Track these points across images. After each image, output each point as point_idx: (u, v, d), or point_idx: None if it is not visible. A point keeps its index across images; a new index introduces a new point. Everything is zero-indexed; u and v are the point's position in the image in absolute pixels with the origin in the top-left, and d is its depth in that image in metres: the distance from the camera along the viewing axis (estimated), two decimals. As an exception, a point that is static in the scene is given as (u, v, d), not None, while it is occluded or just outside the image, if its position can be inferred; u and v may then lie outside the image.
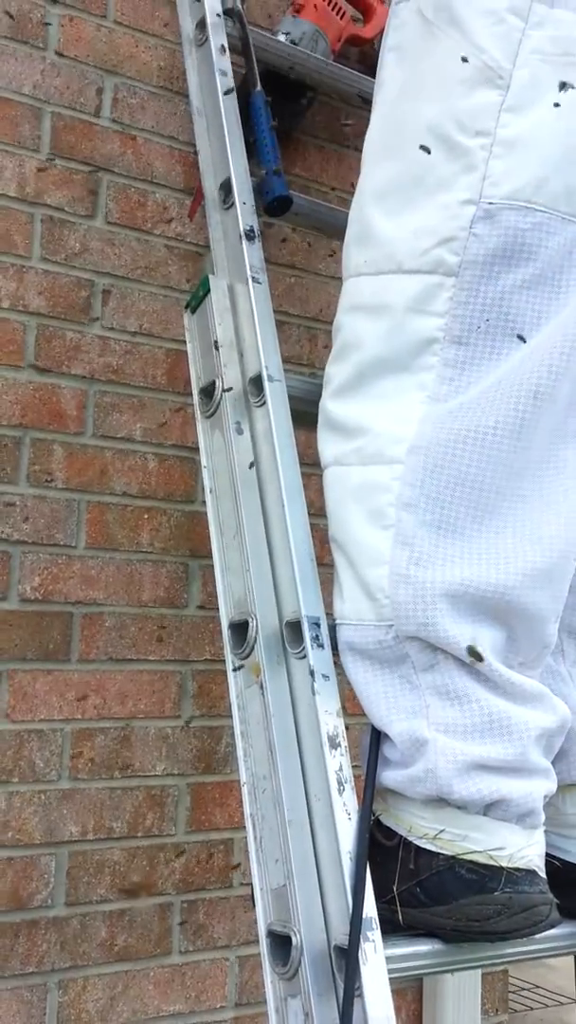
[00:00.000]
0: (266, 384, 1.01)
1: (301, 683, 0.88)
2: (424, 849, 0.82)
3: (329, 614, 0.90)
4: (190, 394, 1.22)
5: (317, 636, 0.87)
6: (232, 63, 1.28)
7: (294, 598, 0.90)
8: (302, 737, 0.87)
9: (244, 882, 1.40)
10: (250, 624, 0.92)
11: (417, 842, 0.82)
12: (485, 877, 0.80)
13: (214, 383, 1.06)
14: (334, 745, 0.83)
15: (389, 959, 0.77)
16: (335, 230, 1.36)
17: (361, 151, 0.95)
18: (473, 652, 0.80)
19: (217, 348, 1.07)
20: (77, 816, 1.29)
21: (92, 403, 1.38)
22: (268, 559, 0.96)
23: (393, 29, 0.93)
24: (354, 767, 0.83)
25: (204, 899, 1.37)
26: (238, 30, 1.36)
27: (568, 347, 0.83)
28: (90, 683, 1.32)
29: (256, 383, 1.03)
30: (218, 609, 0.99)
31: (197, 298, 1.13)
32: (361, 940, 0.75)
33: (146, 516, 1.40)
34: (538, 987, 2.77)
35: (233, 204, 1.16)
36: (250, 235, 1.12)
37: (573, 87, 0.84)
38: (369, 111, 0.96)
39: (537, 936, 0.83)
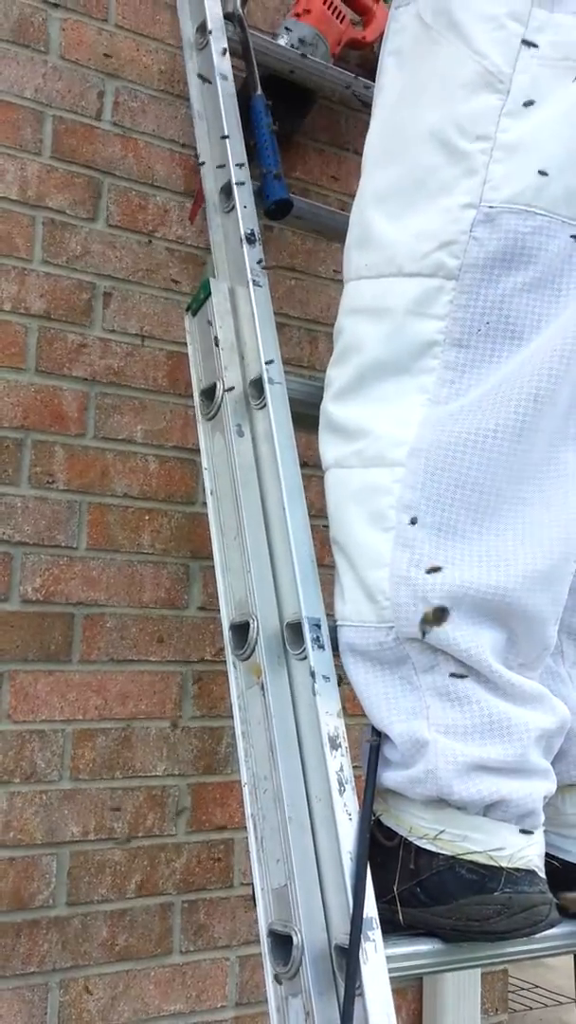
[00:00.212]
0: (267, 386, 1.02)
1: (302, 684, 0.88)
2: (424, 849, 0.82)
3: (330, 615, 0.90)
4: (191, 396, 1.23)
5: (318, 637, 0.88)
6: (233, 67, 1.29)
7: (295, 599, 0.91)
8: (303, 738, 0.87)
9: (244, 882, 1.40)
10: (251, 625, 0.93)
11: (417, 842, 0.83)
12: (485, 877, 0.80)
13: (215, 385, 1.07)
14: (335, 746, 0.83)
15: (390, 958, 0.77)
16: (335, 233, 1.36)
17: (360, 154, 0.95)
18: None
19: (218, 350, 1.07)
20: (78, 816, 1.30)
21: (93, 405, 1.38)
22: (269, 560, 0.96)
23: (393, 33, 0.93)
24: (354, 767, 0.84)
25: (204, 899, 1.37)
26: (238, 34, 1.37)
27: (568, 350, 0.83)
28: (91, 684, 1.33)
29: (257, 385, 1.04)
30: (219, 610, 1.00)
31: (198, 301, 1.14)
32: (362, 939, 0.76)
33: (147, 517, 1.40)
34: (537, 987, 2.77)
35: (234, 207, 1.16)
36: (251, 238, 1.13)
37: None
38: (369, 114, 0.97)
39: (537, 936, 0.83)
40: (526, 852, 0.82)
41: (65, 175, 1.40)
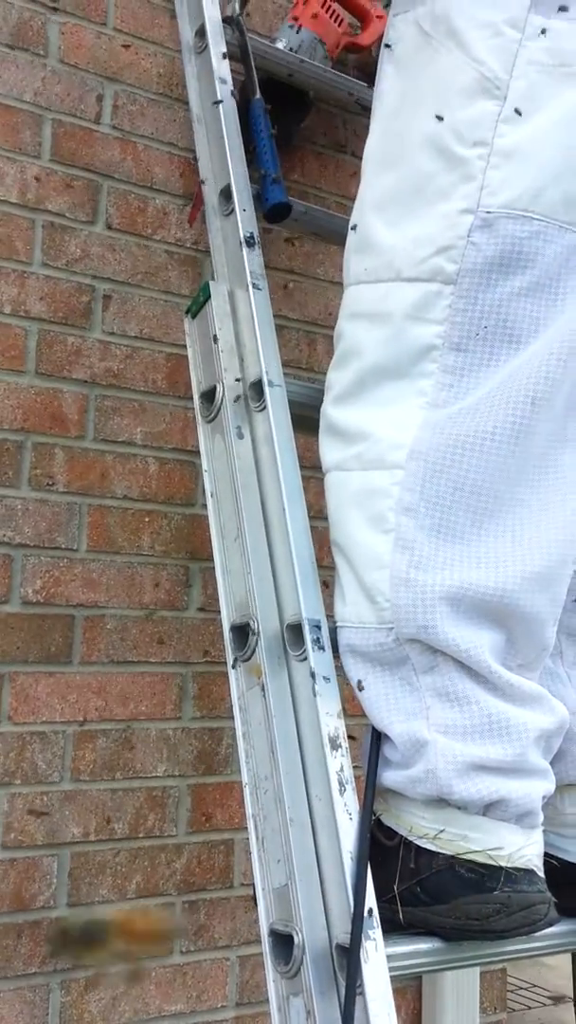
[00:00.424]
0: (266, 389, 1.02)
1: (302, 685, 0.89)
2: (424, 849, 0.83)
3: (330, 616, 0.91)
4: (190, 398, 1.23)
5: (318, 638, 0.89)
6: (231, 70, 1.30)
7: (295, 600, 0.91)
8: (303, 738, 0.88)
9: (244, 882, 1.41)
10: (251, 626, 0.93)
11: (417, 842, 0.83)
12: (484, 876, 0.81)
13: (215, 388, 1.07)
14: (335, 746, 0.84)
15: (390, 957, 0.78)
16: (333, 236, 1.37)
17: (359, 157, 0.96)
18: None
19: (218, 352, 1.08)
20: (79, 817, 1.30)
21: (93, 407, 1.39)
22: (269, 562, 0.97)
23: (392, 41, 0.94)
24: (355, 768, 0.84)
25: (205, 899, 1.38)
26: (237, 38, 1.37)
27: (566, 353, 0.84)
28: (92, 685, 1.33)
29: (257, 388, 1.04)
30: (218, 611, 1.00)
31: (198, 303, 1.14)
32: (362, 939, 0.76)
33: (147, 519, 1.41)
34: (536, 986, 2.78)
35: (233, 211, 1.17)
36: (250, 241, 1.13)
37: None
38: (367, 118, 0.98)
39: (536, 934, 0.84)
40: (525, 851, 0.82)
41: (64, 178, 1.41)
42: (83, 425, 1.38)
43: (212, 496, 1.05)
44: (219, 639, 1.42)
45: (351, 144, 1.67)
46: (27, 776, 1.28)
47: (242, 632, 0.95)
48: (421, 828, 0.84)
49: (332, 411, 0.92)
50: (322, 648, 0.88)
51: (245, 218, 1.15)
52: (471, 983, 1.55)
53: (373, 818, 0.86)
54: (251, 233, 1.14)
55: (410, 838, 0.84)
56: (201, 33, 1.33)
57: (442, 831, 0.83)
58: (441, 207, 0.85)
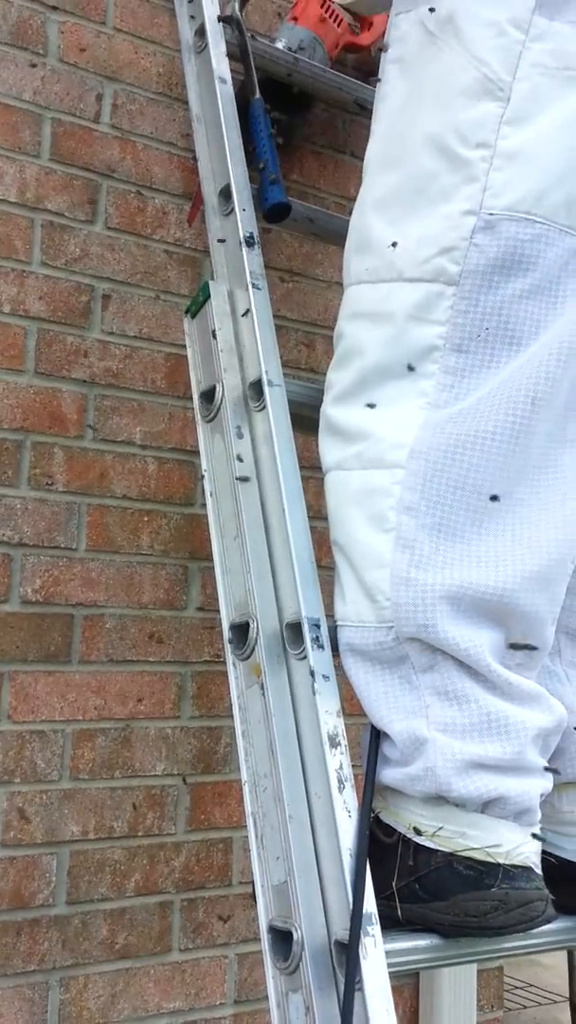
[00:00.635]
0: (266, 389, 1.02)
1: (301, 683, 0.89)
2: (423, 846, 0.83)
3: (329, 616, 0.91)
4: (190, 398, 1.23)
5: (317, 637, 0.89)
6: (231, 70, 1.30)
7: (294, 600, 0.92)
8: (302, 736, 0.88)
9: (243, 880, 1.41)
10: (251, 625, 0.94)
11: (416, 839, 0.84)
12: (482, 873, 0.81)
13: (214, 387, 1.08)
14: (334, 744, 0.84)
15: (389, 953, 0.78)
16: (333, 236, 1.37)
17: (358, 157, 0.96)
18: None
19: (217, 352, 1.08)
20: (78, 816, 1.30)
21: (92, 407, 1.39)
22: (268, 561, 0.97)
23: (394, 41, 0.94)
24: (354, 766, 0.85)
25: (203, 897, 1.38)
26: (237, 37, 1.37)
27: (565, 354, 0.84)
28: (91, 684, 1.34)
29: (256, 388, 1.05)
30: (217, 611, 1.01)
31: (197, 303, 1.15)
32: (361, 935, 0.77)
33: (146, 519, 1.41)
34: (532, 985, 2.79)
35: (233, 210, 1.17)
36: (250, 241, 1.14)
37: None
38: (366, 118, 0.98)
39: (533, 931, 0.84)
40: (523, 849, 0.83)
41: (64, 177, 1.41)
42: (82, 425, 1.38)
43: (212, 495, 1.05)
44: (218, 638, 1.42)
45: (350, 144, 1.67)
46: (26, 775, 1.28)
47: (241, 631, 0.95)
48: (420, 825, 0.84)
49: (332, 411, 0.92)
50: (321, 647, 0.89)
51: (245, 218, 1.16)
52: (468, 981, 1.56)
53: (372, 816, 0.86)
54: (251, 233, 1.14)
55: (409, 835, 0.84)
56: (201, 32, 1.33)
57: (440, 828, 0.83)
58: (444, 208, 0.85)
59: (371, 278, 0.90)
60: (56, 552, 1.34)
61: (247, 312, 1.09)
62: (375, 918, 0.78)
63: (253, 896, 0.86)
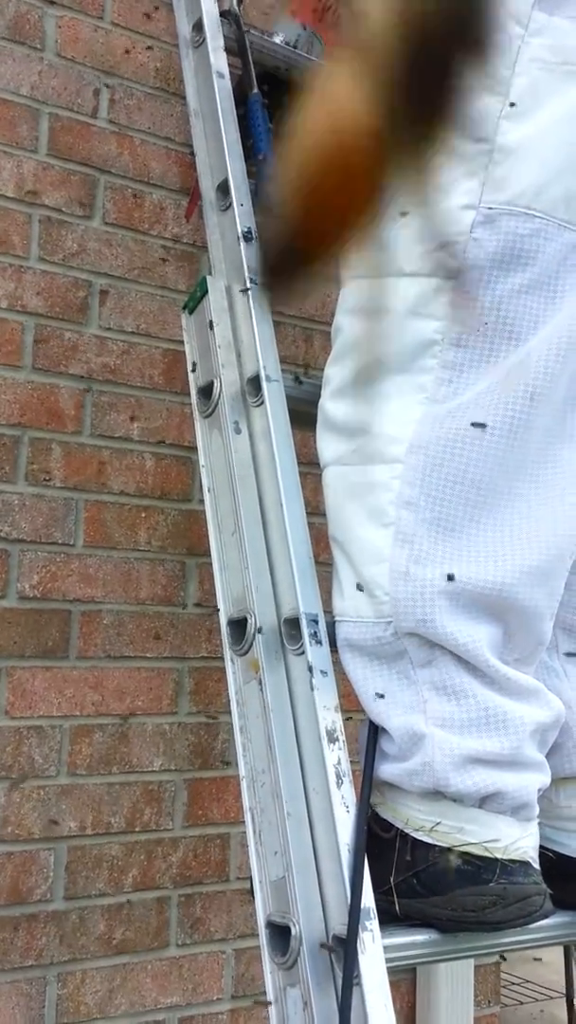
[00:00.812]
0: (264, 384, 1.02)
1: (299, 679, 0.89)
2: (421, 841, 0.83)
3: (327, 611, 0.91)
4: (187, 394, 1.23)
5: (315, 633, 0.89)
6: (229, 65, 1.29)
7: (292, 595, 0.92)
8: (300, 732, 0.88)
9: (240, 876, 1.41)
10: (249, 621, 0.93)
11: (414, 834, 0.84)
12: (480, 868, 0.81)
13: (212, 383, 1.07)
14: (332, 739, 0.84)
15: (387, 948, 0.78)
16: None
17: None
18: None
19: (215, 347, 1.08)
20: (76, 811, 1.30)
21: (90, 403, 1.39)
22: (266, 557, 0.97)
23: (391, 36, 0.94)
24: (352, 762, 0.85)
25: (201, 893, 1.38)
26: (235, 32, 1.37)
27: (564, 349, 0.84)
28: (88, 680, 1.34)
29: (254, 383, 1.04)
30: (215, 607, 1.00)
31: (195, 299, 1.14)
32: (359, 930, 0.77)
33: (143, 515, 1.41)
34: (529, 982, 2.79)
35: (231, 206, 1.17)
36: (248, 237, 1.13)
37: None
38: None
39: (531, 926, 0.84)
40: (521, 844, 0.83)
41: (61, 172, 1.40)
42: (80, 420, 1.38)
43: (209, 491, 1.05)
44: (215, 634, 1.42)
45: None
46: (24, 770, 1.28)
47: (239, 626, 0.95)
48: (417, 820, 0.84)
49: (330, 405, 0.92)
50: (320, 642, 0.89)
51: (243, 213, 1.15)
52: (465, 976, 1.56)
53: (369, 811, 0.86)
54: (249, 228, 1.14)
55: (406, 830, 0.84)
56: (198, 27, 1.33)
57: (438, 823, 0.83)
58: (442, 202, 0.85)
59: (369, 272, 0.90)
60: (53, 548, 1.33)
61: (245, 307, 1.09)
62: (373, 913, 0.78)
63: (251, 891, 0.86)
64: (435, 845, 0.83)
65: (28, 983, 1.25)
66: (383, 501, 0.85)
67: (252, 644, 0.93)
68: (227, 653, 0.96)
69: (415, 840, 0.84)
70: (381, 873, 0.84)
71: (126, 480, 1.40)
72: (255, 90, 1.34)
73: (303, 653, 0.88)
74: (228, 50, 1.32)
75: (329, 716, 0.85)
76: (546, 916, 0.84)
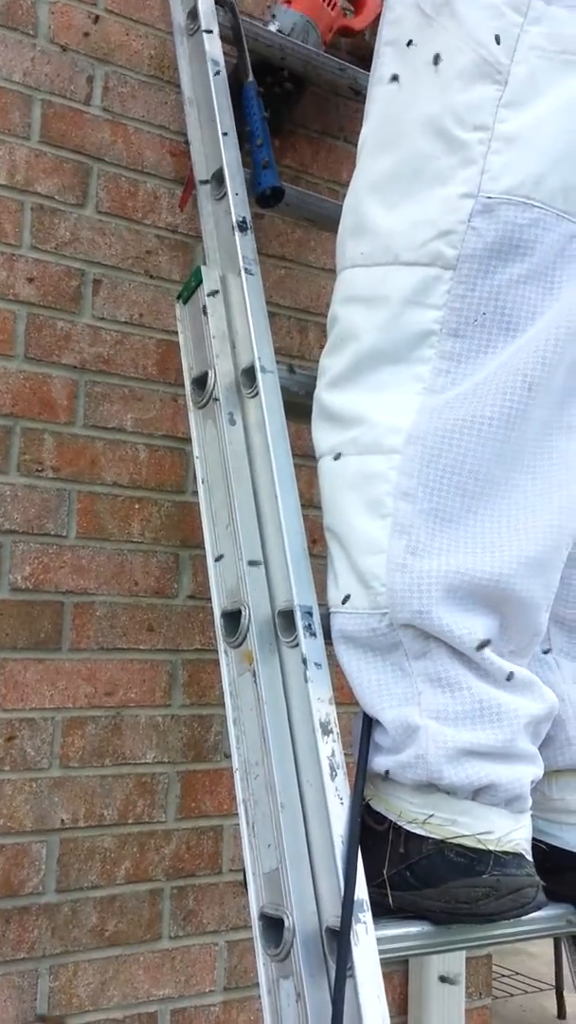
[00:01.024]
0: (259, 375, 1.02)
1: (293, 671, 0.89)
2: (414, 833, 0.83)
3: (322, 604, 0.91)
4: (181, 385, 1.22)
5: (310, 625, 0.89)
6: (224, 53, 1.28)
7: (287, 587, 0.91)
8: (294, 724, 0.88)
9: (233, 868, 1.41)
10: (243, 613, 0.93)
11: (407, 827, 0.84)
12: (473, 860, 0.81)
13: (207, 374, 1.07)
14: (326, 731, 0.84)
15: (380, 940, 0.78)
16: (326, 221, 1.36)
17: (352, 142, 0.95)
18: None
19: (209, 338, 1.07)
20: (68, 803, 1.30)
21: (83, 393, 1.38)
22: (261, 549, 0.97)
23: (389, 23, 0.93)
24: (345, 754, 0.84)
25: (193, 885, 1.38)
26: (230, 20, 1.36)
27: (562, 339, 0.84)
28: (81, 672, 1.33)
29: (249, 374, 1.04)
30: (208, 599, 1.00)
31: (189, 289, 1.14)
32: (353, 922, 0.77)
33: (137, 506, 1.40)
34: (519, 974, 2.81)
35: (225, 195, 1.16)
36: (242, 226, 1.13)
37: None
38: (360, 103, 0.97)
39: (524, 918, 0.84)
40: (514, 836, 0.83)
41: (54, 160, 1.39)
42: (73, 411, 1.37)
43: (203, 482, 1.05)
44: (209, 627, 1.42)
45: (344, 129, 1.66)
46: (16, 762, 1.27)
47: (233, 618, 0.95)
48: (410, 813, 0.84)
49: (327, 396, 0.92)
50: (314, 634, 0.88)
51: (237, 202, 1.15)
52: (457, 968, 1.57)
53: (363, 803, 0.86)
54: (243, 217, 1.13)
55: (399, 823, 0.84)
56: (193, 14, 1.31)
57: (431, 816, 0.83)
58: (441, 191, 0.85)
59: (366, 262, 0.89)
60: (46, 539, 1.33)
61: (240, 297, 1.08)
62: (366, 905, 0.78)
63: (244, 883, 0.86)
64: (428, 837, 0.83)
65: (20, 976, 1.25)
66: (380, 492, 0.84)
67: (246, 636, 0.92)
68: (221, 645, 0.96)
69: (408, 832, 0.84)
70: (374, 865, 0.84)
71: (119, 471, 1.39)
72: (250, 78, 1.33)
73: (297, 645, 0.88)
74: (223, 38, 1.31)
75: (323, 708, 0.85)
76: (539, 908, 0.84)
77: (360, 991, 0.75)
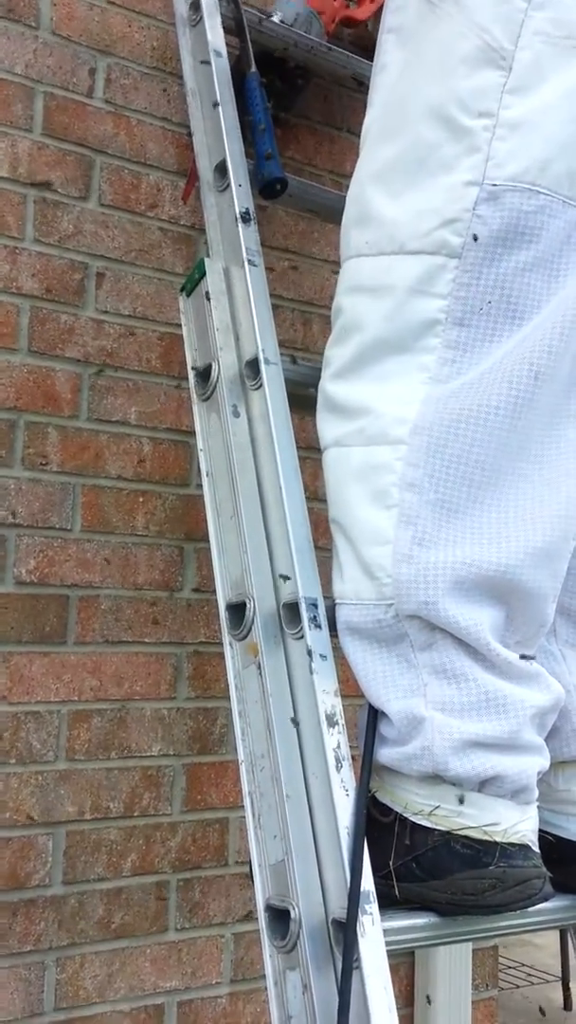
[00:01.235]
0: (263, 367, 1.01)
1: (299, 663, 0.89)
2: (420, 825, 0.83)
3: (327, 596, 0.91)
4: (185, 377, 1.22)
5: (315, 616, 0.88)
6: (226, 44, 1.28)
7: (292, 579, 0.91)
8: (300, 716, 0.88)
9: (239, 860, 1.41)
10: (248, 605, 0.93)
11: (413, 818, 0.84)
12: (480, 852, 0.81)
13: (210, 366, 1.06)
14: (332, 723, 0.84)
15: (386, 932, 0.78)
16: (329, 212, 1.36)
17: (355, 133, 0.95)
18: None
19: (213, 331, 1.07)
20: (74, 796, 1.30)
21: (87, 386, 1.38)
22: (265, 541, 0.96)
23: (392, 11, 0.92)
24: (351, 747, 0.84)
25: (199, 877, 1.39)
26: (232, 11, 1.35)
27: (568, 327, 0.83)
28: (86, 665, 1.33)
29: (253, 366, 1.03)
30: (213, 591, 1.00)
31: (192, 281, 1.13)
32: (359, 914, 0.77)
33: (141, 499, 1.40)
34: (524, 965, 2.82)
35: (228, 186, 1.16)
36: (246, 217, 1.12)
37: None
38: (363, 94, 0.96)
39: (530, 909, 0.84)
40: (520, 827, 0.83)
41: (57, 152, 1.39)
42: (76, 404, 1.37)
43: (208, 475, 1.04)
44: (213, 620, 1.41)
45: (347, 120, 1.65)
46: (22, 756, 1.28)
47: (238, 611, 0.95)
48: (416, 805, 0.84)
49: (331, 387, 0.91)
50: (319, 626, 0.88)
51: (241, 193, 1.14)
52: (463, 960, 1.57)
53: (368, 795, 0.86)
54: (247, 209, 1.13)
55: (405, 815, 0.84)
56: (195, 5, 1.31)
57: (437, 807, 0.83)
58: (445, 179, 0.84)
59: (371, 251, 0.88)
60: (51, 533, 1.33)
61: (243, 290, 1.08)
62: (373, 896, 0.78)
63: (250, 875, 0.86)
64: (434, 829, 0.82)
65: (27, 968, 1.25)
66: (386, 482, 0.84)
67: (251, 628, 0.92)
68: (226, 638, 0.95)
69: (414, 824, 0.83)
70: (380, 857, 0.83)
71: (123, 464, 1.39)
72: (253, 69, 1.32)
73: (302, 637, 0.88)
74: (226, 29, 1.31)
75: (329, 700, 0.85)
76: (546, 899, 0.84)
77: (367, 982, 0.75)
